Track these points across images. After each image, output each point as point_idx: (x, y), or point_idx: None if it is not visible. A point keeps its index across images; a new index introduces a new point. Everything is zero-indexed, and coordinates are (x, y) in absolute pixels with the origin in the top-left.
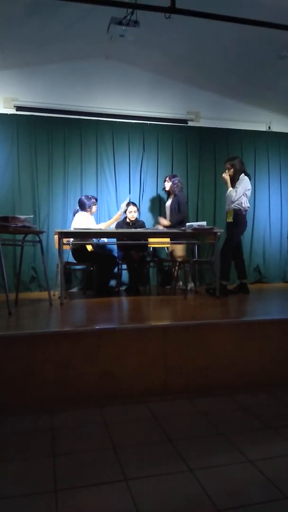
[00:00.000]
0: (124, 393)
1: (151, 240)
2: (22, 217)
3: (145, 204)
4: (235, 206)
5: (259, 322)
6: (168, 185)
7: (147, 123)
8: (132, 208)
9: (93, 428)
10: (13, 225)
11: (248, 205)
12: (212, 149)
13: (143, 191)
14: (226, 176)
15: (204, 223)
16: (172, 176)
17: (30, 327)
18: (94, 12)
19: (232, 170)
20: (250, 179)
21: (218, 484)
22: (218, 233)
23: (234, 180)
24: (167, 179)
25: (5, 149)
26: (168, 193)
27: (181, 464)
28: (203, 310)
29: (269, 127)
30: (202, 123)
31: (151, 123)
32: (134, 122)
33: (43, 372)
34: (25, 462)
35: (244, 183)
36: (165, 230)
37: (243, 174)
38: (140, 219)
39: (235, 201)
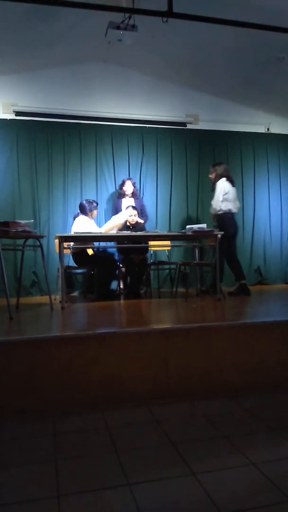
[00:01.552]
0: (126, 396)
1: (151, 243)
2: (23, 221)
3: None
4: (217, 212)
5: (261, 324)
6: (131, 188)
7: (146, 127)
8: (132, 211)
9: (95, 432)
10: (14, 230)
11: (230, 207)
12: (211, 152)
13: (142, 194)
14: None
15: (204, 225)
16: (131, 179)
17: (32, 332)
18: (92, 16)
19: (214, 174)
20: (233, 184)
21: (221, 488)
22: (219, 235)
23: (213, 186)
24: (129, 182)
25: (4, 154)
26: (123, 195)
27: (184, 467)
28: (204, 313)
29: (268, 129)
30: (201, 125)
31: (150, 126)
32: (133, 126)
33: (45, 377)
34: (27, 467)
35: (219, 189)
36: (165, 233)
37: (223, 179)
38: (140, 222)
39: (218, 209)
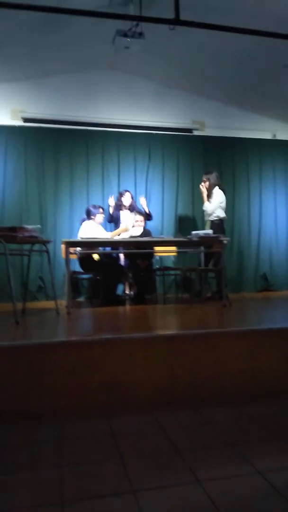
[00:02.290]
0: (131, 403)
1: (157, 248)
2: (29, 227)
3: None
4: (212, 218)
5: (267, 330)
6: (129, 200)
7: (152, 133)
8: (138, 217)
9: (100, 439)
10: (21, 235)
11: (224, 215)
12: (217, 158)
13: (149, 200)
14: (202, 188)
15: (210, 231)
16: (129, 191)
17: (37, 337)
18: (100, 24)
19: (207, 183)
20: (225, 193)
21: (226, 496)
22: (225, 241)
23: (209, 193)
24: (129, 194)
25: (13, 160)
26: (120, 207)
27: (188, 475)
28: (209, 319)
29: (274, 135)
30: (207, 132)
31: (157, 133)
32: (140, 132)
33: (50, 382)
34: (32, 472)
35: (218, 198)
36: (172, 239)
37: (217, 187)
38: (147, 228)
39: (211, 213)
